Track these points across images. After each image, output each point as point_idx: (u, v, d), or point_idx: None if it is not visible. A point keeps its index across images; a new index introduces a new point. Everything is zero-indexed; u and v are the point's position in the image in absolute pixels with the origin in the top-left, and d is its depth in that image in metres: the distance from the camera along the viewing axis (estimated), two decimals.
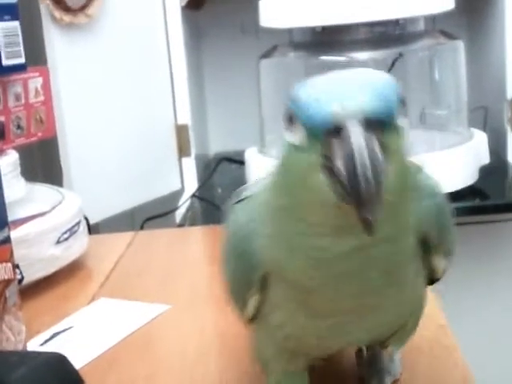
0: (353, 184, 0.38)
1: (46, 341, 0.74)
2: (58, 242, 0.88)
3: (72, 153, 1.33)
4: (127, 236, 1.05)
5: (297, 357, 0.53)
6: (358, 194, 0.38)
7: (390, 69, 1.44)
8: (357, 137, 0.38)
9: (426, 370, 0.62)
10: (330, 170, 0.39)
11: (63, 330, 0.75)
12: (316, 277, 0.44)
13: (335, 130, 0.39)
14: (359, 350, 0.61)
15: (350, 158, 0.38)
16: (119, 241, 1.03)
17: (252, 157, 1.42)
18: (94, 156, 1.38)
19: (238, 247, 0.51)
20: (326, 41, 1.40)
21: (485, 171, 1.40)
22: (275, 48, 1.45)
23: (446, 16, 1.37)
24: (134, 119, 1.46)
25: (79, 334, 0.75)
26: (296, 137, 0.41)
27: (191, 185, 1.52)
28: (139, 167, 1.45)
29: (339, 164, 0.38)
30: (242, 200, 0.52)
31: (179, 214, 1.43)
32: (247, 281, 0.50)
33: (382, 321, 0.50)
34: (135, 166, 1.44)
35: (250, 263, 0.49)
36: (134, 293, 0.84)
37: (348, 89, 0.40)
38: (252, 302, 0.51)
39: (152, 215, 1.40)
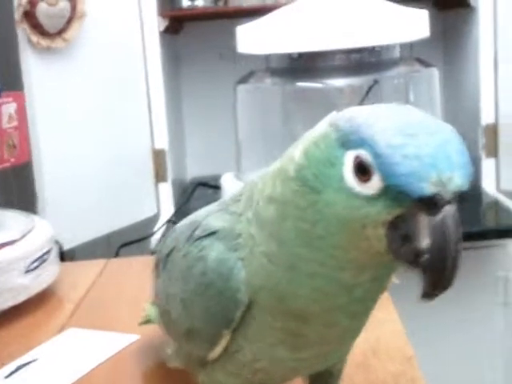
0: (440, 271, 0.38)
1: (12, 373, 0.73)
2: (28, 270, 0.87)
3: (47, 178, 1.33)
4: (99, 263, 1.04)
5: None
6: (440, 279, 0.38)
7: (366, 95, 1.45)
8: (452, 222, 0.37)
9: None
10: (398, 230, 0.39)
11: (29, 362, 0.75)
12: (322, 303, 0.44)
13: (426, 202, 0.37)
14: None
15: (442, 246, 0.38)
16: (91, 268, 1.02)
17: (228, 182, 1.43)
18: (69, 181, 1.37)
19: (216, 284, 0.48)
20: (303, 67, 1.41)
21: (459, 198, 1.40)
22: (252, 74, 1.46)
23: (421, 43, 1.38)
24: (110, 144, 1.46)
25: (45, 365, 0.74)
26: (360, 186, 0.39)
27: (167, 210, 1.52)
28: (115, 192, 1.45)
29: (424, 241, 0.38)
30: (207, 235, 0.50)
31: (155, 240, 1.43)
32: (225, 318, 0.48)
33: (352, 341, 0.52)
34: (111, 191, 1.44)
35: (232, 299, 0.47)
36: (104, 322, 0.84)
37: (436, 152, 0.38)
38: (225, 340, 0.49)
39: (128, 241, 1.40)
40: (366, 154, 0.38)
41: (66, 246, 1.25)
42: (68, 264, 1.07)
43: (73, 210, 1.36)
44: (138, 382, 0.70)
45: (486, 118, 1.55)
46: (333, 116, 0.42)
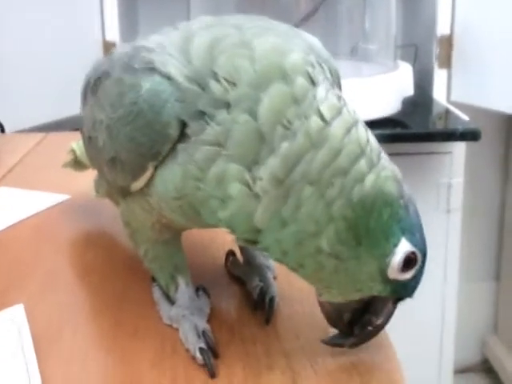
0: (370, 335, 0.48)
1: None
2: None
3: None
4: (39, 136, 1.03)
5: (169, 228, 0.53)
6: (365, 340, 0.48)
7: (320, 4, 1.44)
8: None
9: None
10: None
11: None
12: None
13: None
14: (232, 254, 0.60)
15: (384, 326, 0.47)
16: (30, 139, 1.01)
17: None
18: (18, 67, 1.34)
19: (145, 115, 0.46)
20: None
21: (410, 105, 1.41)
22: None
23: None
24: (60, 33, 1.42)
25: None
26: (396, 269, 0.44)
27: None
28: (64, 82, 1.42)
29: (380, 319, 0.47)
30: (146, 69, 0.46)
31: None
32: (152, 150, 0.46)
33: None
34: (60, 81, 1.41)
35: (161, 133, 0.45)
36: (36, 184, 0.83)
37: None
38: (149, 173, 0.47)
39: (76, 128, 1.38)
40: (419, 259, 0.44)
41: (12, 130, 1.23)
42: (5, 135, 1.06)
43: (20, 95, 1.34)
44: (65, 236, 0.70)
45: (442, 28, 1.54)
46: (398, 182, 0.46)
